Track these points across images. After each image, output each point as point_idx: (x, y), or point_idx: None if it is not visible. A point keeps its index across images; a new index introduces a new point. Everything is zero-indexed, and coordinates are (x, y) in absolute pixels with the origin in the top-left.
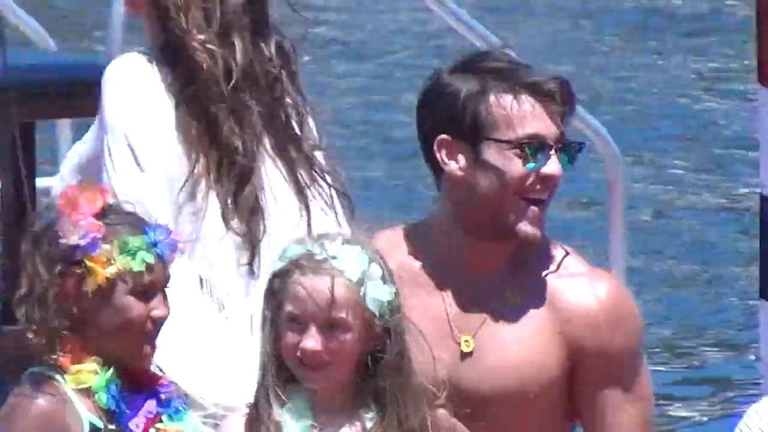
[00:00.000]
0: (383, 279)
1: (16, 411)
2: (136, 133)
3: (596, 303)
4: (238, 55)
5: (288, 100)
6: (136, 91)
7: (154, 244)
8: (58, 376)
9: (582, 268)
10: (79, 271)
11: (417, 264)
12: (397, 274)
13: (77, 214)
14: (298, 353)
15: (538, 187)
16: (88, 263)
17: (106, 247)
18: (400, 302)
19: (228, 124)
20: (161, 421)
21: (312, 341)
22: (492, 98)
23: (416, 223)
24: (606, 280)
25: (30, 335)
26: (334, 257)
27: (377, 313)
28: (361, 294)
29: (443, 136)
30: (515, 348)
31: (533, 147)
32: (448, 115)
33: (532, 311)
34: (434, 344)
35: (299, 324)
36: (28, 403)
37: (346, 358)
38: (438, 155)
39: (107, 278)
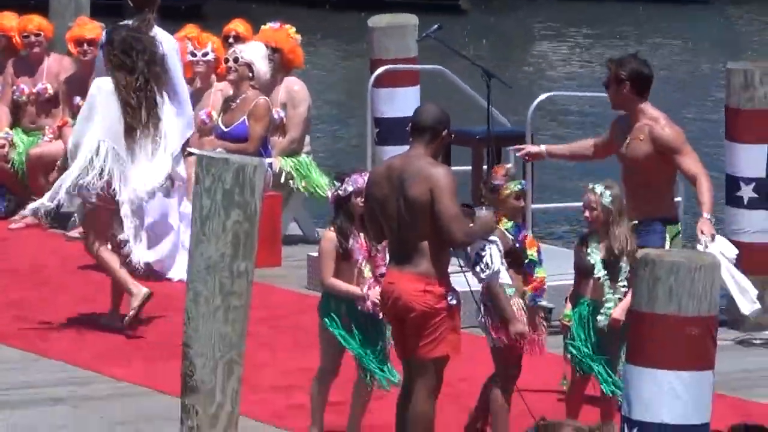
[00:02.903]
0: (610, 194)
1: None
2: None
3: (663, 130)
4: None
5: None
6: None
7: None
8: None
9: (658, 114)
10: None
11: None
12: None
13: None
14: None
15: None
16: None
17: None
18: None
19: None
20: None
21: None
22: None
23: None
24: (666, 122)
25: None
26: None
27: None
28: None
29: None
30: (643, 145)
31: None
32: None
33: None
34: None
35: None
36: None
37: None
38: None
39: None
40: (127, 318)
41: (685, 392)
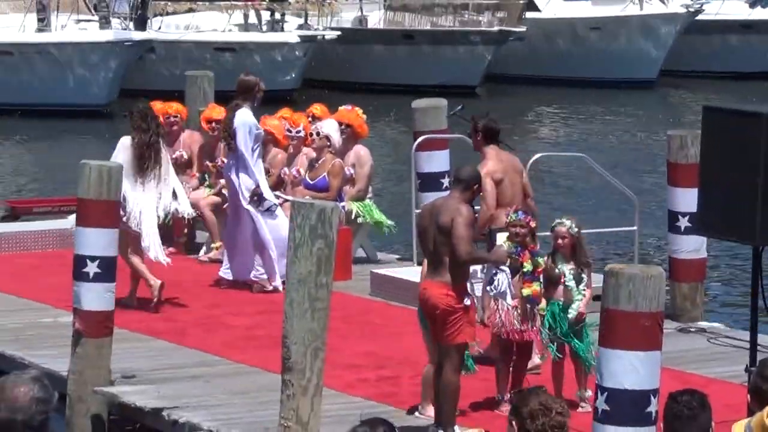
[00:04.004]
0: (575, 225)
1: None
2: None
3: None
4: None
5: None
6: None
7: None
8: None
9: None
10: None
11: None
12: None
13: None
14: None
15: None
16: None
17: None
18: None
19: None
20: None
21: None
22: None
23: None
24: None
25: None
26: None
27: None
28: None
29: None
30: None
31: None
32: None
33: None
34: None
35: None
36: None
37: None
38: None
39: None
40: (152, 305)
41: (641, 366)
